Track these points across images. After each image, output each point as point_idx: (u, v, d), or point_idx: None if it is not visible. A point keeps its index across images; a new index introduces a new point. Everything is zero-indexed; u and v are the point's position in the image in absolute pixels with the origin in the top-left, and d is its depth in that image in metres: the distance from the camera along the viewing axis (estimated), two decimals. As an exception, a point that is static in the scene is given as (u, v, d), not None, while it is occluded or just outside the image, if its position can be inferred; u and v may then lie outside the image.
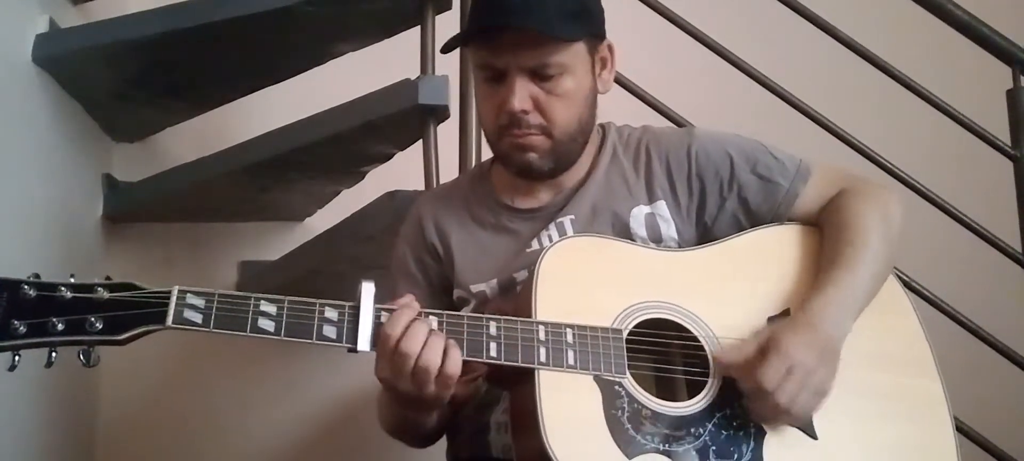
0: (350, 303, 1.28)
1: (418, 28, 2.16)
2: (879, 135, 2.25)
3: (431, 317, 1.31)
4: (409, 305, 1.31)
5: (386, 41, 2.30)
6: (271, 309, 1.26)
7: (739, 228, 1.54)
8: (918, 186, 2.19)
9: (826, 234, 1.50)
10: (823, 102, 2.22)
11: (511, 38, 1.43)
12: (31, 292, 1.18)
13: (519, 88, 1.44)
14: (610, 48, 1.54)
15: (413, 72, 2.10)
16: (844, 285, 1.41)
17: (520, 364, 1.31)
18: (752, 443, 1.34)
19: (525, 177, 1.55)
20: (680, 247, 1.51)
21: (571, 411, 1.30)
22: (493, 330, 1.32)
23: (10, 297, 1.17)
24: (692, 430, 1.33)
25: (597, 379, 1.32)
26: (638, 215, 1.53)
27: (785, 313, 1.44)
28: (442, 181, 2.00)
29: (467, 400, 1.51)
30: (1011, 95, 2.20)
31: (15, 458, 1.95)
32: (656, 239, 1.51)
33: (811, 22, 2.21)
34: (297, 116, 2.19)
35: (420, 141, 2.11)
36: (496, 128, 1.50)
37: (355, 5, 2.13)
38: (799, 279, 1.47)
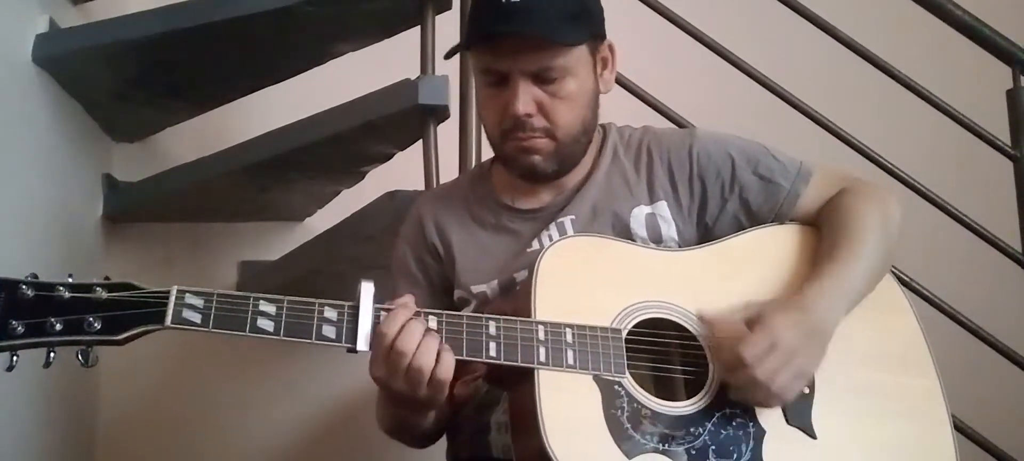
0: (349, 303, 1.28)
1: (418, 28, 2.16)
2: (879, 135, 2.25)
3: (430, 317, 1.31)
4: (407, 305, 1.31)
5: (386, 41, 2.30)
6: (270, 309, 1.25)
7: (740, 229, 1.54)
8: (918, 186, 2.19)
9: (824, 230, 1.51)
10: (823, 102, 2.22)
11: (513, 42, 1.43)
12: (29, 292, 1.18)
13: (522, 92, 1.44)
14: (611, 48, 1.54)
15: (413, 72, 2.10)
16: (839, 276, 1.42)
17: (520, 364, 1.31)
18: (751, 442, 1.34)
19: (529, 180, 1.55)
20: (680, 247, 1.51)
21: (571, 411, 1.30)
22: (492, 330, 1.32)
23: (8, 297, 1.17)
24: (691, 429, 1.33)
25: (596, 379, 1.32)
26: (639, 215, 1.53)
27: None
28: (442, 181, 2.00)
29: (467, 400, 1.51)
30: (1011, 95, 2.20)
31: (15, 458, 1.95)
32: (656, 239, 1.51)
33: (811, 22, 2.21)
34: (297, 116, 2.19)
35: (420, 141, 2.11)
36: (499, 131, 1.50)
37: (355, 5, 2.13)
38: (798, 278, 1.47)
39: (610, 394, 1.32)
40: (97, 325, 1.19)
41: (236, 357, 2.47)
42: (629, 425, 1.30)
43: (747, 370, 1.32)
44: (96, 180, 2.43)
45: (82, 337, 1.18)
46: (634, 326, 1.37)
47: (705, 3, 2.32)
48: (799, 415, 1.38)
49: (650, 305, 1.40)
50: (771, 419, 1.37)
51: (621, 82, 1.97)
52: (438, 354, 1.28)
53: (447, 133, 2.10)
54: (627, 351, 1.35)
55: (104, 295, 1.20)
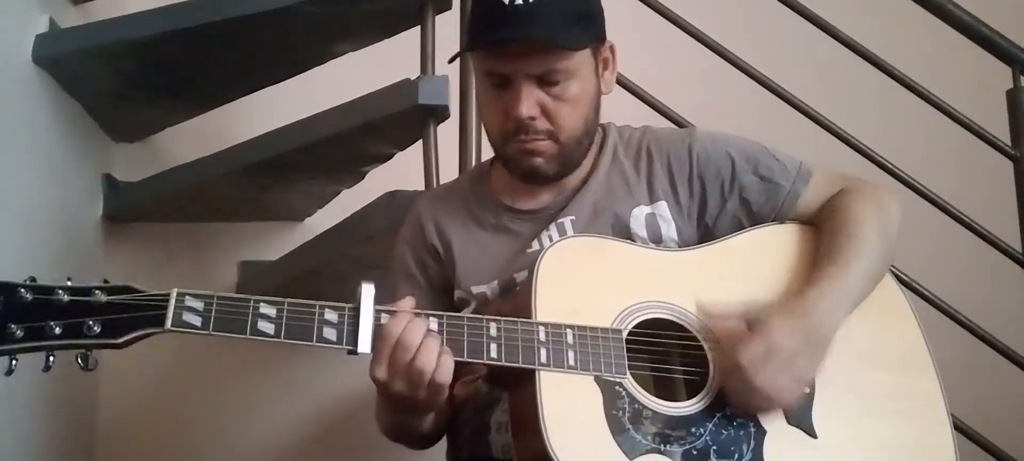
0: (350, 305, 1.28)
1: (418, 28, 2.16)
2: (879, 135, 2.25)
3: (431, 319, 1.31)
4: (408, 307, 1.31)
5: (386, 41, 2.30)
6: (271, 311, 1.25)
7: (740, 228, 1.54)
8: (918, 186, 2.19)
9: (823, 230, 1.51)
10: (823, 102, 2.22)
11: (517, 45, 1.42)
12: (28, 295, 1.17)
13: (526, 95, 1.44)
14: (611, 49, 1.54)
15: (413, 72, 2.10)
16: (838, 278, 1.41)
17: (521, 365, 1.31)
18: (752, 442, 1.34)
19: (530, 182, 1.55)
20: (680, 247, 1.51)
21: (572, 412, 1.30)
22: (493, 331, 1.32)
23: (7, 300, 1.17)
24: (692, 430, 1.33)
25: (597, 379, 1.32)
26: (639, 215, 1.53)
27: (784, 313, 1.44)
28: (442, 181, 2.00)
29: (467, 400, 1.51)
30: (1011, 95, 2.20)
31: (15, 458, 1.95)
32: (656, 239, 1.51)
33: (811, 22, 2.21)
34: (297, 116, 2.19)
35: (420, 141, 2.11)
36: (502, 133, 1.49)
37: (355, 5, 2.13)
38: (798, 278, 1.47)
39: (611, 395, 1.32)
40: (97, 328, 1.18)
41: (236, 358, 2.47)
42: (630, 425, 1.30)
43: (743, 373, 1.32)
44: (96, 180, 2.43)
45: (81, 341, 1.18)
46: (635, 326, 1.37)
47: (705, 3, 2.32)
48: (800, 415, 1.37)
49: (650, 305, 1.39)
50: (772, 419, 1.36)
51: (621, 82, 1.97)
52: (438, 357, 1.28)
53: (447, 133, 2.10)
54: (628, 352, 1.35)
55: (103, 298, 1.20)
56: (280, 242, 2.54)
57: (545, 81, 1.44)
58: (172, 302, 1.22)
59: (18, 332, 1.16)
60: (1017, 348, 2.17)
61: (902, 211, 1.53)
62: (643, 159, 1.57)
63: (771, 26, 2.43)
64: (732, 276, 1.46)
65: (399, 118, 2.09)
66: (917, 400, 1.44)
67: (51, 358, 1.19)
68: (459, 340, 1.31)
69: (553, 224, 1.54)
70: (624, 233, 1.51)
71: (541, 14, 1.40)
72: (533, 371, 1.31)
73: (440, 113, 2.07)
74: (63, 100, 2.20)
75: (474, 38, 1.48)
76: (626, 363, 1.34)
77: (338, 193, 2.53)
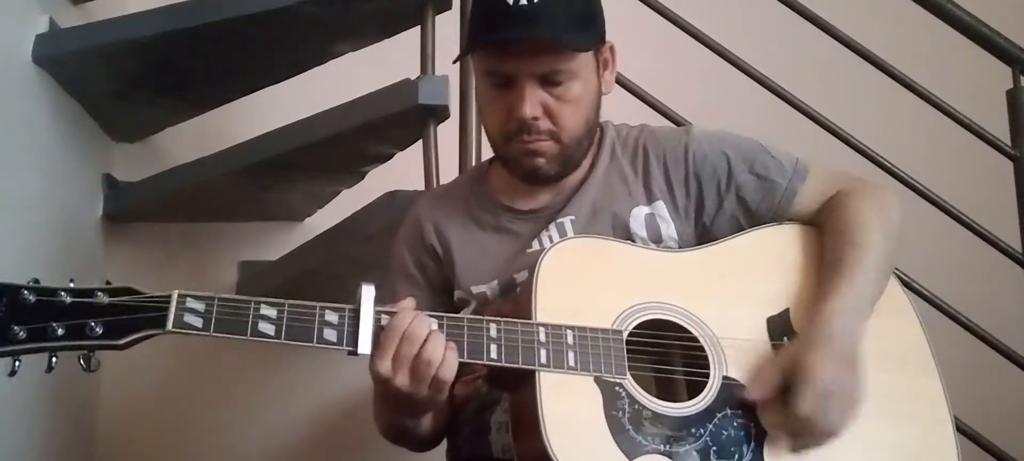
0: (350, 306, 1.28)
1: (418, 28, 2.16)
2: (879, 135, 2.25)
3: (432, 319, 1.31)
4: (410, 306, 1.31)
5: (386, 41, 2.30)
6: (271, 312, 1.25)
7: (738, 228, 1.54)
8: (918, 186, 2.19)
9: (827, 237, 1.50)
10: (823, 102, 2.22)
11: (520, 45, 1.42)
12: (31, 297, 1.18)
13: (529, 95, 1.44)
14: (611, 49, 1.55)
15: (413, 72, 2.10)
16: (851, 290, 1.41)
17: (521, 366, 1.31)
18: (753, 443, 1.34)
19: (531, 182, 1.55)
20: (680, 247, 1.51)
21: (572, 412, 1.30)
22: (493, 332, 1.32)
23: (10, 302, 1.17)
24: (693, 430, 1.33)
25: (597, 380, 1.32)
26: (638, 215, 1.53)
27: (784, 313, 1.44)
28: (442, 181, 2.00)
29: (467, 400, 1.51)
30: (1011, 95, 2.20)
31: (15, 458, 1.95)
32: (656, 239, 1.51)
33: (811, 22, 2.21)
34: (297, 116, 2.19)
35: (420, 141, 2.11)
36: (503, 133, 1.49)
37: (355, 5, 2.13)
38: (798, 279, 1.48)
39: (611, 395, 1.32)
40: (99, 330, 1.19)
41: (236, 359, 2.47)
42: (630, 426, 1.30)
43: (814, 427, 1.32)
44: (96, 180, 2.43)
45: (84, 342, 1.18)
46: (635, 327, 1.37)
47: (705, 3, 2.32)
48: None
49: (650, 306, 1.39)
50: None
51: (621, 82, 1.97)
52: (444, 350, 1.28)
53: (447, 133, 2.10)
54: (628, 352, 1.35)
55: (105, 300, 1.20)
56: (280, 242, 2.54)
57: (548, 81, 1.45)
58: (173, 303, 1.22)
59: (21, 333, 1.17)
60: (1017, 348, 2.18)
61: (902, 209, 1.53)
62: (640, 159, 1.57)
63: (771, 26, 2.43)
64: (733, 277, 1.46)
65: (399, 118, 2.09)
66: (919, 400, 1.44)
67: (53, 359, 1.19)
68: (459, 341, 1.31)
69: (553, 224, 1.54)
70: (624, 233, 1.51)
71: (545, 14, 1.40)
72: (533, 372, 1.31)
73: (440, 113, 2.07)
74: (63, 100, 2.20)
75: (478, 38, 1.48)
76: (626, 364, 1.34)
77: (338, 193, 2.53)
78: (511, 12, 1.40)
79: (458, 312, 1.48)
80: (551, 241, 1.50)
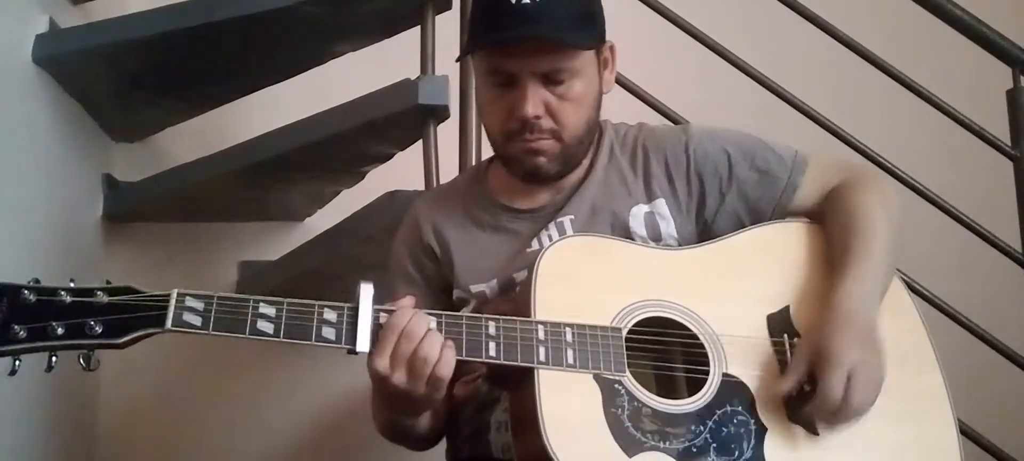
0: (349, 304, 1.28)
1: (418, 28, 2.16)
2: (879, 135, 2.25)
3: (430, 317, 1.31)
4: (409, 304, 1.31)
5: (386, 41, 2.30)
6: (270, 311, 1.26)
7: (739, 224, 1.54)
8: (918, 186, 2.19)
9: (831, 228, 1.51)
10: (823, 102, 2.22)
11: (523, 44, 1.42)
12: (31, 296, 1.18)
13: (532, 93, 1.44)
14: (611, 49, 1.55)
15: (413, 72, 2.10)
16: (862, 273, 1.42)
17: (519, 364, 1.31)
18: (753, 439, 1.34)
19: (532, 181, 1.55)
20: (679, 245, 1.51)
21: (571, 410, 1.30)
22: (492, 330, 1.32)
23: (10, 302, 1.18)
24: (692, 428, 1.33)
25: (597, 378, 1.32)
26: (637, 214, 1.53)
27: (784, 310, 1.45)
28: (442, 181, 2.00)
29: (467, 400, 1.51)
30: (1011, 95, 2.20)
31: (15, 458, 1.95)
32: (656, 237, 1.51)
33: (811, 22, 2.21)
34: (297, 116, 2.19)
35: (420, 141, 2.11)
36: (504, 132, 1.50)
37: (355, 5, 2.13)
38: (797, 277, 1.48)
39: (610, 393, 1.32)
40: (98, 329, 1.19)
41: (236, 358, 2.47)
42: (630, 424, 1.30)
43: (844, 409, 1.32)
44: (96, 180, 2.43)
45: (84, 341, 1.19)
46: (634, 325, 1.37)
47: (705, 3, 2.32)
48: (802, 412, 1.37)
49: (650, 304, 1.40)
50: (773, 416, 1.37)
51: (621, 82, 1.97)
52: (441, 348, 1.28)
53: (447, 133, 2.10)
54: (628, 350, 1.35)
55: (105, 299, 1.20)
56: (280, 242, 2.54)
57: (550, 80, 1.45)
58: (172, 302, 1.22)
59: (21, 333, 1.17)
60: (1017, 348, 2.17)
61: (900, 197, 1.55)
62: (639, 157, 1.57)
63: (771, 26, 2.43)
64: (732, 275, 1.47)
65: (399, 118, 2.09)
66: (921, 400, 1.44)
67: (53, 358, 1.20)
68: (457, 338, 1.31)
69: (552, 223, 1.54)
70: (623, 232, 1.51)
71: (547, 13, 1.40)
72: (532, 370, 1.31)
73: (440, 113, 2.07)
74: (63, 100, 2.20)
75: (479, 37, 1.48)
76: (625, 361, 1.34)
77: (338, 193, 2.53)
78: (513, 11, 1.40)
79: (457, 311, 1.47)
80: (550, 240, 1.50)
